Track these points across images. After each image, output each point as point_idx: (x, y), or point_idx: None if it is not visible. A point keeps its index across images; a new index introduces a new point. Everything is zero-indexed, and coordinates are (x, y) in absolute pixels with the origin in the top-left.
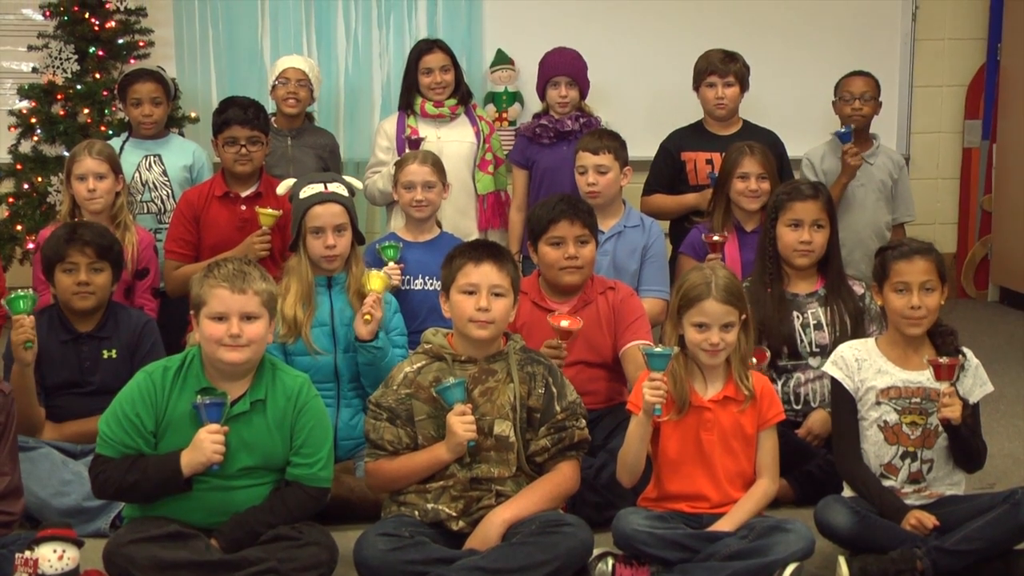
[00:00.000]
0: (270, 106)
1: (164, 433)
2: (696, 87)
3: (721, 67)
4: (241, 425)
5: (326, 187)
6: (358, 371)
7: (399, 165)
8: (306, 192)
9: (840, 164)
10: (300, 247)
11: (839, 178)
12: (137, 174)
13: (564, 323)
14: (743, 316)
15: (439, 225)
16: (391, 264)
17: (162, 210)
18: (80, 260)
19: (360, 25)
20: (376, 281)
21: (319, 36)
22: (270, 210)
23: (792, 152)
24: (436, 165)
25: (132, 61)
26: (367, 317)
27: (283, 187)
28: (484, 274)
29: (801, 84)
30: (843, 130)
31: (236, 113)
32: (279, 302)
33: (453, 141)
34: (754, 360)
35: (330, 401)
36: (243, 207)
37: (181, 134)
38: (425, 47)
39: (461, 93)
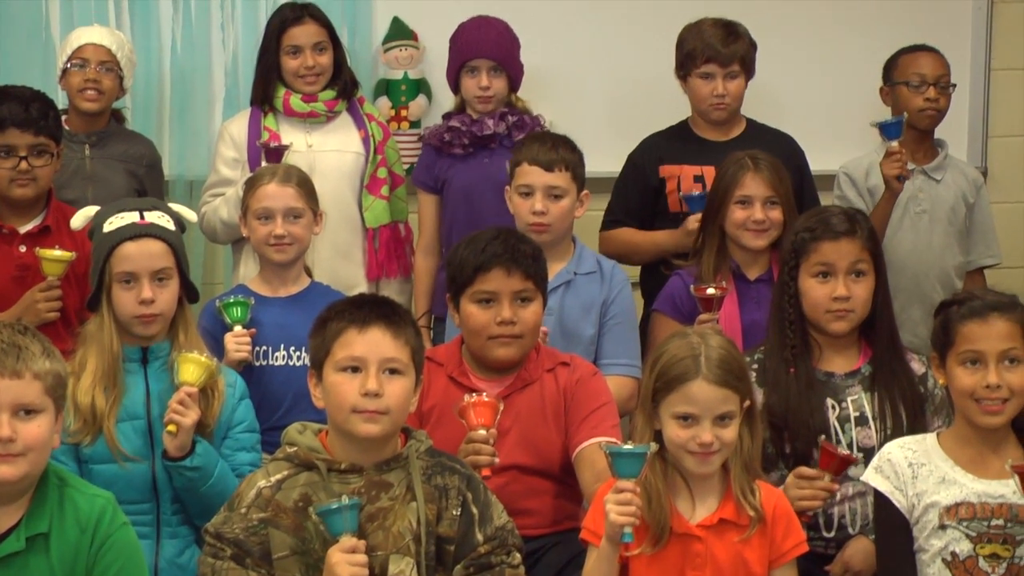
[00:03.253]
0: (60, 100)
1: None
2: (683, 76)
3: (723, 50)
4: (12, 572)
5: (142, 217)
6: None
7: (250, 185)
8: (113, 224)
9: None
10: (103, 304)
11: (883, 195)
12: None
13: (479, 397)
14: (746, 403)
15: (308, 273)
16: (238, 328)
17: None
18: None
19: None
20: (189, 370)
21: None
22: (58, 252)
23: (819, 165)
24: (304, 185)
25: None
26: (170, 428)
27: (80, 218)
28: (372, 344)
29: (832, 69)
30: (891, 120)
31: (13, 111)
32: (70, 385)
33: (331, 151)
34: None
35: (146, 530)
36: (22, 248)
37: None
38: (291, 16)
39: (343, 82)
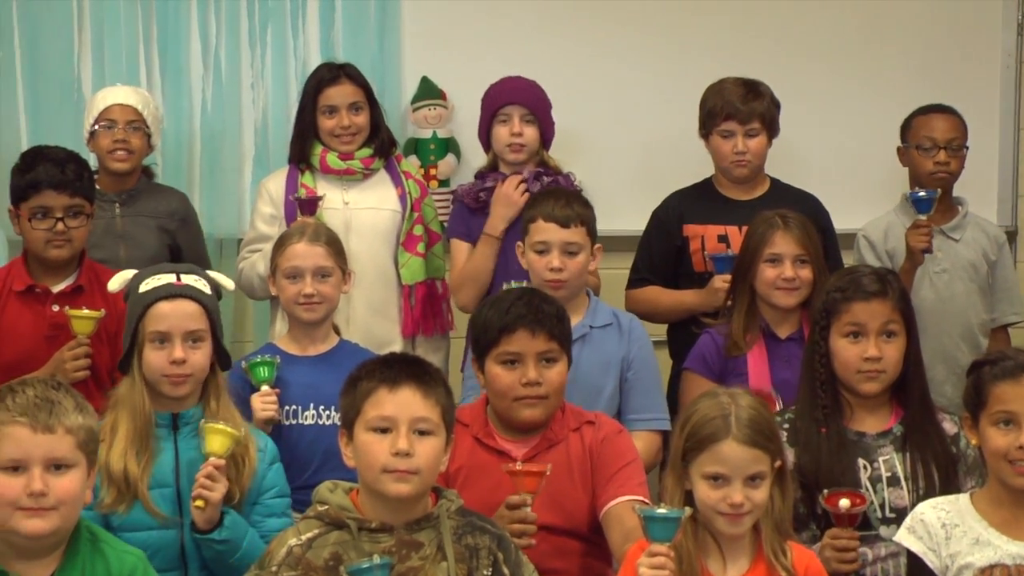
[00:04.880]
0: (91, 160)
1: None
2: (705, 134)
3: (742, 107)
4: None
5: (178, 279)
6: None
7: (279, 244)
8: (148, 285)
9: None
10: (134, 365)
11: (903, 264)
12: None
13: (529, 465)
14: (777, 464)
15: (337, 331)
16: (265, 388)
17: None
18: None
19: (224, 42)
20: (216, 441)
21: (163, 57)
22: (87, 311)
23: (842, 224)
24: (333, 244)
25: None
26: (198, 503)
27: (117, 281)
28: (403, 403)
29: (854, 127)
30: (922, 193)
31: (49, 172)
32: (103, 451)
33: (367, 208)
34: (845, 504)
35: None
36: (55, 307)
37: None
38: (328, 75)
39: (380, 140)
